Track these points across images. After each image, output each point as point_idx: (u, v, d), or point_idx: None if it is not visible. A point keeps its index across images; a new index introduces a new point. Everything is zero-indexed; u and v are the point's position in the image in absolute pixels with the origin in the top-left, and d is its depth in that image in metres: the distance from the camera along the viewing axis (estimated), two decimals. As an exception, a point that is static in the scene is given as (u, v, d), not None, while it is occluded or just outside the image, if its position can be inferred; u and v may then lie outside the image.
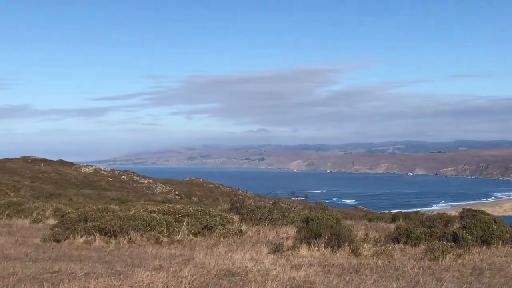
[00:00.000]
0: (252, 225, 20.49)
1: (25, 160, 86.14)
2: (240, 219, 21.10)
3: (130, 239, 17.10)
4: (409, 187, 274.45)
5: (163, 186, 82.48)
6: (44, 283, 10.28)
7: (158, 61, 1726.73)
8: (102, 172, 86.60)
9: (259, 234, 19.37)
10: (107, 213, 19.21)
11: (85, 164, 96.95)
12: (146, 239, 17.19)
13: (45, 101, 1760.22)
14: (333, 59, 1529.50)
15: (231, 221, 19.61)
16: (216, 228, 18.60)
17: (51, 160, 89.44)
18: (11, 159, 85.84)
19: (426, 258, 14.12)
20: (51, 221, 23.45)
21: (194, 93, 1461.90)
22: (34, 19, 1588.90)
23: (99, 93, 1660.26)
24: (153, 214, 18.59)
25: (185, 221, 18.38)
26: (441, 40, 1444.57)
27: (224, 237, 18.28)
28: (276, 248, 15.04)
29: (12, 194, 46.15)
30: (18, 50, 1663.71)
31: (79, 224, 18.18)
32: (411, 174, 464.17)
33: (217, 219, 19.21)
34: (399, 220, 29.48)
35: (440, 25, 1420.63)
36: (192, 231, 18.20)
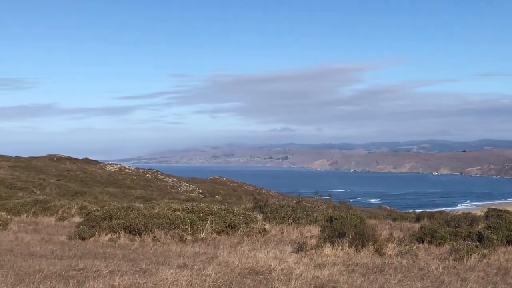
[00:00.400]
0: (276, 224, 20.51)
1: (51, 158, 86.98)
2: (264, 218, 21.11)
3: (155, 237, 17.20)
4: (434, 187, 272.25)
5: (187, 184, 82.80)
6: (70, 280, 10.37)
7: (183, 60, 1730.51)
8: (127, 170, 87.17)
9: (283, 233, 19.38)
10: (131, 211, 19.35)
11: (110, 163, 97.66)
12: (170, 237, 17.28)
13: (70, 100, 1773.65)
14: (357, 58, 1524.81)
15: (254, 219, 19.63)
16: (240, 227, 18.63)
17: (76, 159, 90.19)
18: (37, 157, 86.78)
19: (451, 258, 14.05)
20: (77, 219, 23.65)
21: (218, 92, 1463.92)
22: (59, 18, 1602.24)
23: (124, 92, 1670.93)
24: (177, 213, 18.67)
25: (209, 219, 18.43)
26: (467, 39, 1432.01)
27: (247, 236, 18.32)
28: (300, 247, 15.04)
29: (38, 192, 46.68)
30: (43, 49, 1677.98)
31: (104, 222, 18.31)
32: (436, 173, 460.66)
33: (241, 217, 19.25)
34: (424, 219, 29.43)
35: (465, 24, 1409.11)
36: (216, 229, 18.25)
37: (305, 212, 21.83)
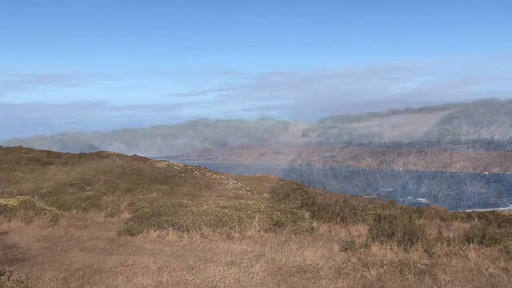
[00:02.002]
0: (323, 223, 20.41)
1: (101, 155, 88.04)
2: (311, 216, 21.02)
3: (203, 234, 17.27)
4: (484, 186, 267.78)
5: (235, 182, 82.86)
6: (119, 275, 10.48)
7: (232, 58, 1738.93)
8: (175, 167, 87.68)
9: (330, 231, 19.27)
10: (180, 208, 19.46)
11: (159, 159, 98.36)
12: (218, 234, 17.33)
13: (121, 97, 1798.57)
14: (407, 56, 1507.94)
15: (302, 218, 19.56)
16: (287, 225, 18.58)
17: (125, 155, 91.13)
18: (87, 154, 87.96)
19: (502, 258, 13.80)
20: (126, 215, 23.86)
21: (266, 90, 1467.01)
22: (111, 18, 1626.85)
23: (173, 89, 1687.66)
24: (225, 210, 18.73)
25: (257, 217, 18.44)
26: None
27: (295, 234, 18.25)
28: (348, 246, 14.93)
29: (87, 188, 47.28)
30: (96, 48, 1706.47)
31: (153, 218, 18.46)
32: (486, 173, 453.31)
33: (288, 215, 19.19)
34: (474, 219, 28.93)
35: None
36: (263, 227, 18.24)
37: (353, 211, 21.67)
